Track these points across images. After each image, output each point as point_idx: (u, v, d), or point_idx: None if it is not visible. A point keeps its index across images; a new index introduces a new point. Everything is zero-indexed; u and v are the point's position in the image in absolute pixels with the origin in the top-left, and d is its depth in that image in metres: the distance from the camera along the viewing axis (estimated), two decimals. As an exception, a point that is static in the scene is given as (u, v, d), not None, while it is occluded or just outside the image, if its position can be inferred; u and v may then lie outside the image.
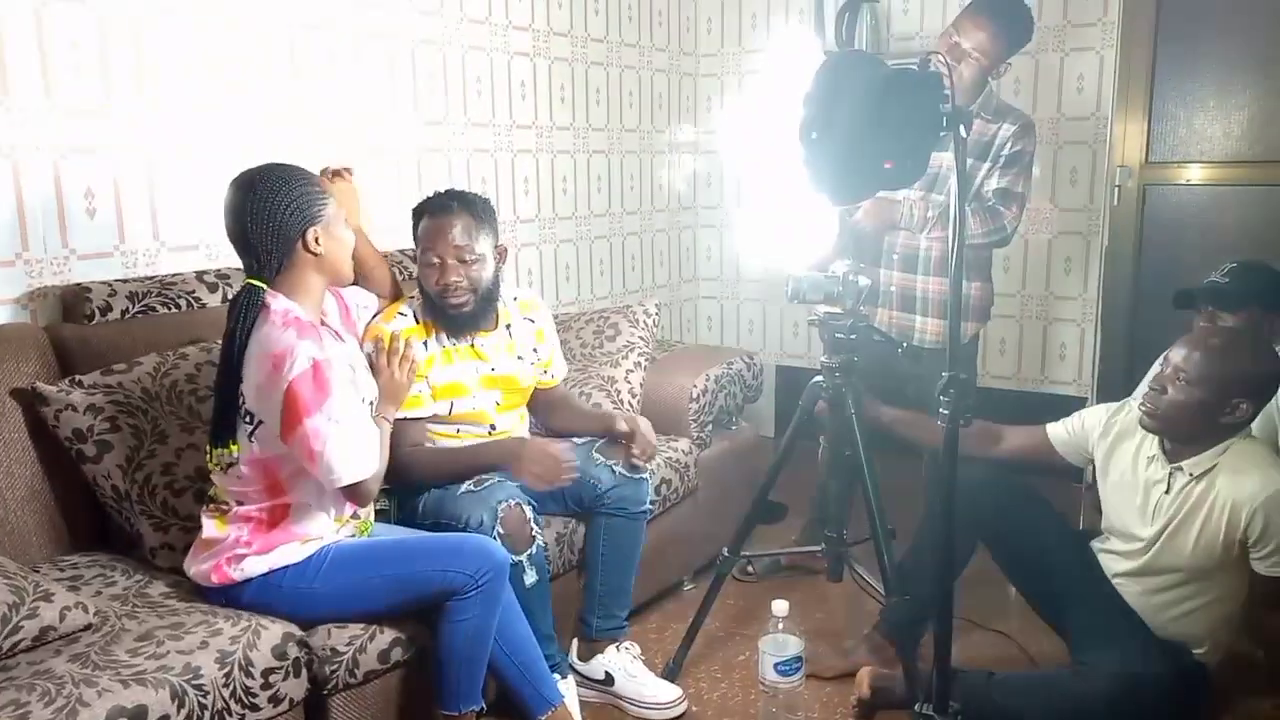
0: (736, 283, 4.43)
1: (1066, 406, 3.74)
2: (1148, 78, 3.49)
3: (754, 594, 2.80)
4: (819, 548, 2.33)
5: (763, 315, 4.43)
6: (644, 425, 2.29)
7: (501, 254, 2.21)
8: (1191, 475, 1.97)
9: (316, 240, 1.77)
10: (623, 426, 2.27)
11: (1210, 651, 2.07)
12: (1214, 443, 1.96)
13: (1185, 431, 1.98)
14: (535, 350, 2.35)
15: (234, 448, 1.74)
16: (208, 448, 1.77)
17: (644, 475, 2.31)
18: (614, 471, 2.27)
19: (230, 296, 2.00)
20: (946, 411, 1.56)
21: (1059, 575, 2.21)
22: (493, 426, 2.26)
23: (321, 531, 1.85)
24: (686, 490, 2.75)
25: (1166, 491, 2.01)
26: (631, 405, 2.69)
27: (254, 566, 1.79)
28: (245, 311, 1.74)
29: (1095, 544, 2.22)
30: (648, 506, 2.33)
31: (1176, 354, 1.98)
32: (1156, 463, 2.04)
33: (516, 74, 3.37)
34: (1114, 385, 3.65)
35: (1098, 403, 3.73)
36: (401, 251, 2.75)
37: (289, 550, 1.81)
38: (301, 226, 1.75)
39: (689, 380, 2.84)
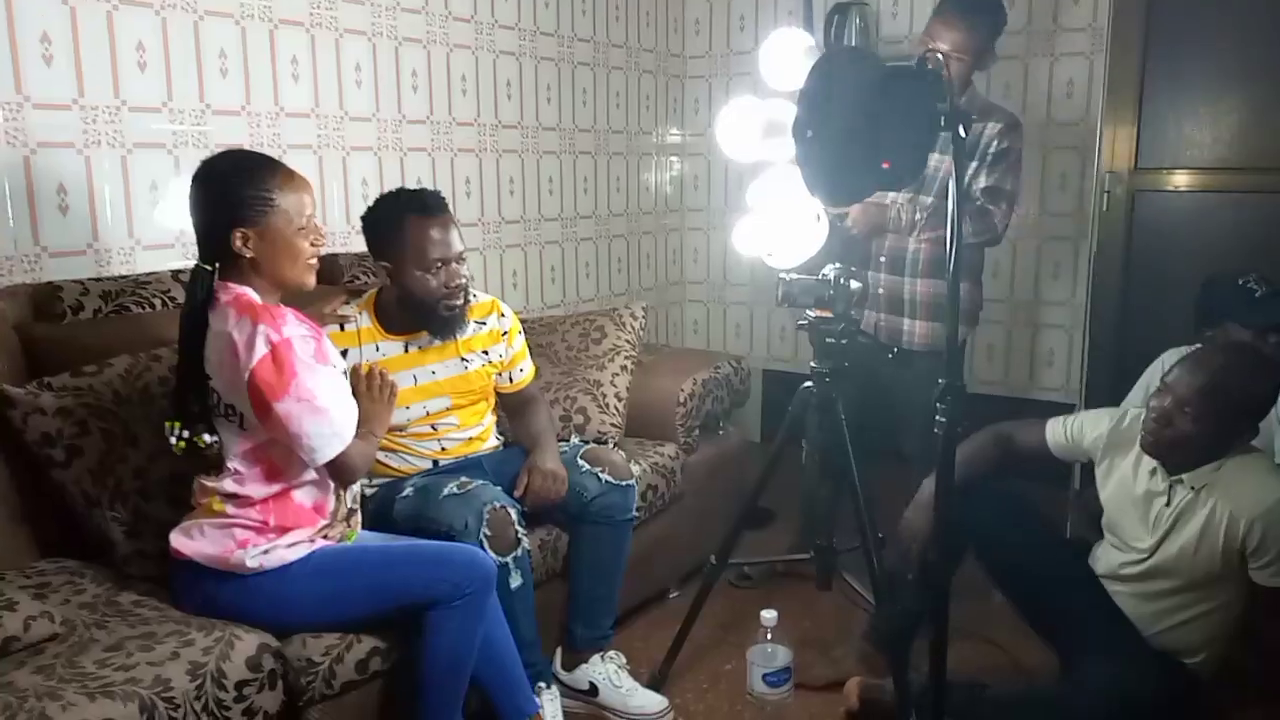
0: (723, 286, 4.39)
1: (1054, 413, 3.75)
2: (1136, 84, 3.48)
3: (741, 601, 2.76)
4: (807, 555, 2.29)
5: (750, 319, 4.40)
6: (538, 483, 2.17)
7: None
8: (1192, 488, 1.95)
9: (245, 242, 1.70)
10: (523, 479, 2.19)
11: (1206, 661, 2.04)
12: (1216, 457, 1.93)
13: (1192, 459, 1.95)
14: (485, 353, 2.27)
15: (201, 441, 1.71)
16: (174, 432, 1.71)
17: (631, 482, 2.26)
18: (600, 479, 2.22)
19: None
20: (943, 419, 1.52)
21: (1051, 586, 2.17)
22: (434, 426, 2.21)
23: (326, 508, 1.81)
24: (673, 496, 2.70)
25: (1167, 504, 1.98)
26: (618, 409, 2.65)
27: (272, 558, 1.74)
28: (193, 295, 1.71)
29: (1100, 545, 2.19)
30: (634, 514, 2.29)
31: (1180, 383, 1.93)
32: (1158, 475, 2.01)
33: (502, 73, 3.32)
34: (1101, 391, 3.63)
35: (1085, 409, 3.75)
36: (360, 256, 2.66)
37: (296, 536, 1.77)
38: (228, 225, 1.70)
39: (676, 384, 2.80)
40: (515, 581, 2.00)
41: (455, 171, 3.19)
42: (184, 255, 2.41)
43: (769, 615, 2.06)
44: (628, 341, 2.78)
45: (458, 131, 3.18)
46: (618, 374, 2.70)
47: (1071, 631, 2.15)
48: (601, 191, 3.89)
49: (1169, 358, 2.60)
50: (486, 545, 1.94)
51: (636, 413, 2.74)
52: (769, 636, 2.08)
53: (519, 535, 2.01)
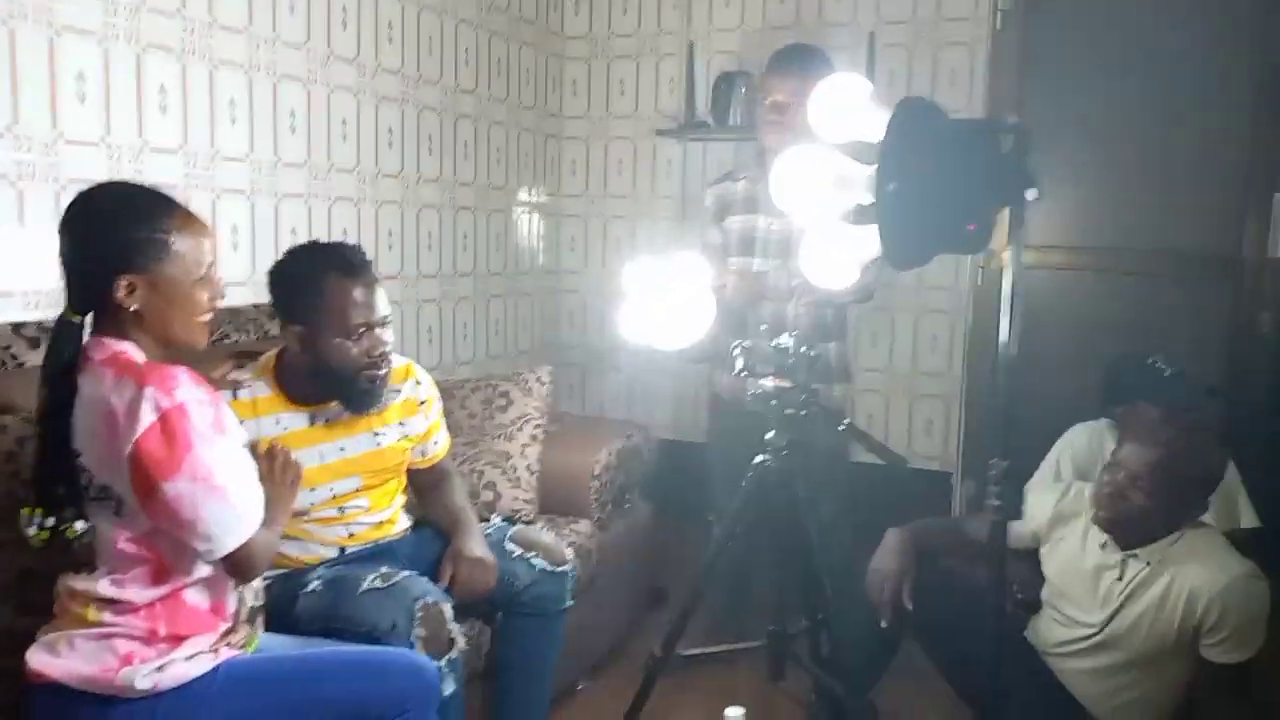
0: (601, 352, 4.24)
1: (934, 481, 3.82)
2: (1009, 164, 3.63)
3: (658, 691, 2.55)
4: (759, 643, 2.13)
5: (627, 385, 4.25)
6: (466, 572, 1.92)
7: None
8: (1147, 563, 1.93)
9: (131, 291, 1.41)
10: (447, 568, 1.94)
11: (1154, 739, 2.02)
12: (1170, 532, 1.93)
13: (1146, 533, 1.95)
14: (401, 424, 2.01)
15: (71, 531, 1.40)
16: (34, 520, 1.39)
17: (566, 567, 2.04)
18: (532, 565, 1.99)
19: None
20: (999, 504, 1.42)
21: (992, 663, 2.11)
22: (341, 509, 1.93)
23: (226, 609, 1.51)
24: (588, 579, 2.48)
25: (1119, 578, 1.96)
26: (529, 483, 2.42)
27: (168, 676, 1.41)
28: (57, 354, 1.41)
29: (1039, 619, 2.14)
30: (569, 603, 2.06)
31: (1132, 458, 1.92)
32: (1109, 549, 1.99)
33: (384, 119, 3.08)
34: (979, 460, 3.71)
35: (963, 479, 3.82)
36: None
37: (194, 646, 1.45)
38: (111, 271, 1.41)
39: (589, 456, 2.60)
40: (448, 688, 1.73)
41: (333, 220, 2.91)
42: (25, 305, 2.03)
43: (735, 714, 1.88)
44: (536, 409, 2.56)
45: (336, 178, 2.90)
46: (528, 444, 2.48)
47: (1016, 711, 2.08)
48: (480, 249, 3.68)
49: (1079, 432, 2.64)
50: (420, 648, 1.67)
51: (548, 486, 2.51)
52: (735, 739, 1.90)
53: (453, 635, 1.75)
